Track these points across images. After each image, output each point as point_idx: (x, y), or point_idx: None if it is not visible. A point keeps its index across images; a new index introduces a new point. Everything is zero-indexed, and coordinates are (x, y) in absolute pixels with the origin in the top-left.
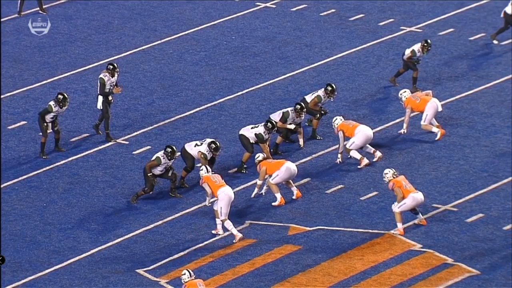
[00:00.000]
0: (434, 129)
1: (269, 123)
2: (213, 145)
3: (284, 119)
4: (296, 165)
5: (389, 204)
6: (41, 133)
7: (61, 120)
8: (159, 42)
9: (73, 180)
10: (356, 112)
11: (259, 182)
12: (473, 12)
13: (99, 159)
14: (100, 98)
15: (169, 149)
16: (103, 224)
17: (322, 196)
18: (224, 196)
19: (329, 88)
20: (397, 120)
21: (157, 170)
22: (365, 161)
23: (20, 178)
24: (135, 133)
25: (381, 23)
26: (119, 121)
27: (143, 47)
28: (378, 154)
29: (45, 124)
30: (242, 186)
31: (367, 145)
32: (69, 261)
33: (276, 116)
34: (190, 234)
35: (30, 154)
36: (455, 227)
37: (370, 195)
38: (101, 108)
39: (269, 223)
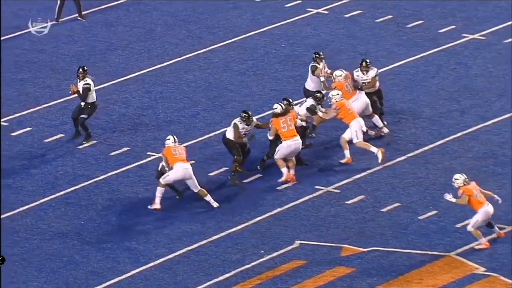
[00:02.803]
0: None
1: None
2: (244, 114)
3: (311, 111)
4: (349, 182)
5: (449, 224)
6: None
7: (100, 133)
8: (204, 50)
9: (112, 196)
10: (414, 125)
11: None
12: None
13: (140, 174)
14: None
15: (244, 114)
16: (144, 243)
17: (377, 214)
18: (179, 169)
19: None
20: (459, 134)
21: (242, 140)
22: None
23: (57, 194)
24: None
25: (441, 30)
26: (162, 134)
27: (187, 56)
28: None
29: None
30: (291, 204)
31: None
32: (108, 283)
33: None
34: (236, 255)
35: (67, 169)
36: None
37: (429, 214)
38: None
39: (320, 243)
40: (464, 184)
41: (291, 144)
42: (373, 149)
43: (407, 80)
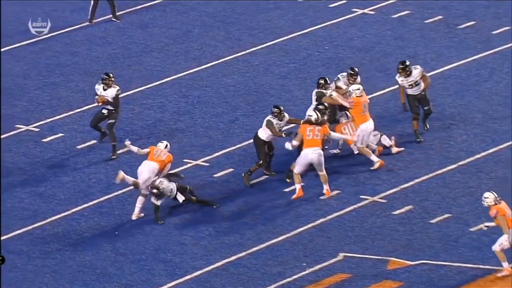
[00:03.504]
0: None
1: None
2: (275, 109)
3: (318, 98)
4: (396, 191)
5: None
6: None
7: (134, 139)
8: (243, 52)
9: (147, 205)
10: (465, 132)
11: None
12: None
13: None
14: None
15: (275, 109)
16: (180, 255)
17: (426, 226)
18: (144, 167)
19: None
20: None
21: (282, 135)
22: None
23: (89, 203)
24: (216, 154)
25: (494, 32)
26: (199, 141)
27: (226, 58)
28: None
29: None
30: (334, 214)
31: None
32: None
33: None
34: (277, 268)
35: (101, 177)
36: None
37: (481, 225)
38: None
39: (365, 256)
40: (496, 203)
41: (308, 153)
42: (374, 158)
43: (458, 84)
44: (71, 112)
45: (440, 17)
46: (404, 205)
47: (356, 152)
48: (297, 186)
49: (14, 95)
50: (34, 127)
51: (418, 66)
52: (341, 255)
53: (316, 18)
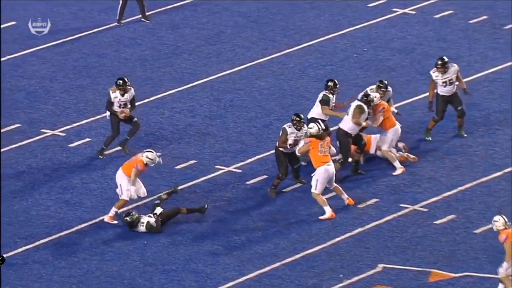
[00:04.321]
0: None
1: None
2: (296, 117)
3: (324, 102)
4: (437, 199)
5: None
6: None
7: (164, 144)
8: (278, 54)
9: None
10: (511, 137)
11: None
12: None
13: (208, 189)
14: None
15: (295, 117)
16: (212, 265)
17: (470, 236)
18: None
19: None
20: None
21: (287, 146)
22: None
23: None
24: (250, 160)
25: None
26: (231, 146)
27: (260, 60)
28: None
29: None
30: (373, 224)
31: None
32: None
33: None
34: (313, 279)
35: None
36: None
37: None
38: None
39: (406, 267)
40: (505, 228)
41: (328, 168)
42: (397, 164)
43: (503, 87)
44: (99, 116)
45: (485, 17)
46: (446, 214)
47: (379, 155)
48: (327, 210)
49: (39, 98)
50: (60, 131)
51: (455, 64)
52: (380, 266)
53: (354, 18)
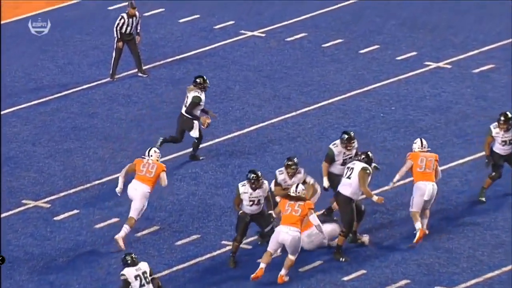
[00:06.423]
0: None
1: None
2: (252, 174)
3: (329, 157)
4: (477, 281)
5: None
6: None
7: (163, 216)
8: (293, 113)
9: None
10: None
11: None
12: None
13: (212, 268)
14: (196, 124)
15: (252, 174)
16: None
17: None
18: (134, 192)
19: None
20: None
21: (244, 205)
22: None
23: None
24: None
25: None
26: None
27: (272, 121)
28: None
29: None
30: None
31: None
32: None
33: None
34: None
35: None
36: None
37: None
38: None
39: None
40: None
41: (281, 230)
42: (418, 225)
43: None
44: (88, 185)
45: None
46: None
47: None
48: (262, 265)
49: (20, 164)
50: (44, 202)
51: None
52: None
53: (381, 73)
